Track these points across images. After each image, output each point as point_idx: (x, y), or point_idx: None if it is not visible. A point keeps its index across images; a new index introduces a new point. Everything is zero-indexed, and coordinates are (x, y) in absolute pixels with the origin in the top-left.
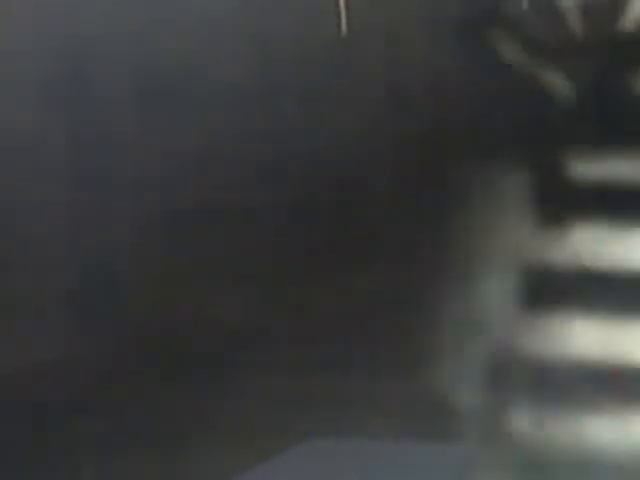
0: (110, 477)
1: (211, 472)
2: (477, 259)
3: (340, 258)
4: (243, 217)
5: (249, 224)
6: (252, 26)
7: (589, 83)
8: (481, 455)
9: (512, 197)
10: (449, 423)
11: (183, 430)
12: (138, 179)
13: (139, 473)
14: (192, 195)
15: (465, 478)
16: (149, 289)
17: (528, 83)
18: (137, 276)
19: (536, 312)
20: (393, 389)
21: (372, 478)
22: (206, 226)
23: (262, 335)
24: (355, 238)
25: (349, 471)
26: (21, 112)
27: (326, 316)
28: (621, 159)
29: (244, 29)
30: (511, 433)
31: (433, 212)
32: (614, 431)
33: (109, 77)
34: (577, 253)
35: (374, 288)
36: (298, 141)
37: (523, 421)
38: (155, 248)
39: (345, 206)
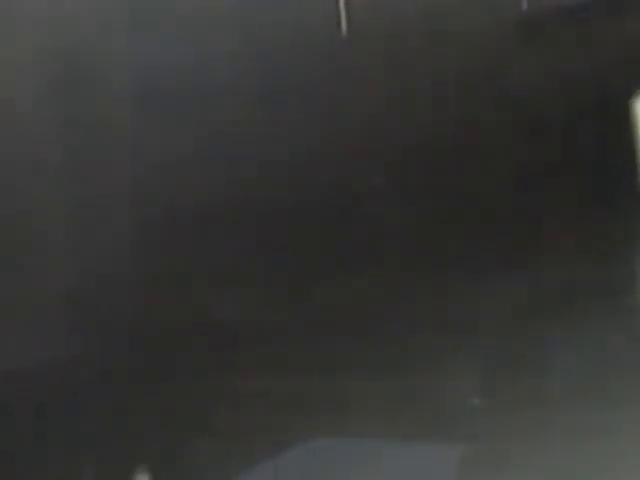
0: (110, 477)
1: (211, 472)
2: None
3: (340, 258)
4: (243, 217)
5: (249, 224)
6: (252, 26)
7: None
8: (481, 455)
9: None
10: (449, 423)
11: (183, 430)
12: (138, 179)
13: (139, 473)
14: (192, 195)
15: (464, 478)
16: (149, 289)
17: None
18: (137, 276)
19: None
20: (393, 389)
21: (372, 478)
22: (206, 226)
23: (262, 335)
24: (355, 238)
25: (349, 471)
26: (21, 112)
27: (326, 316)
28: None
29: (244, 29)
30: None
31: (434, 212)
32: None
33: (108, 76)
34: None
35: (374, 288)
36: (298, 141)
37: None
38: (155, 248)
39: (345, 206)
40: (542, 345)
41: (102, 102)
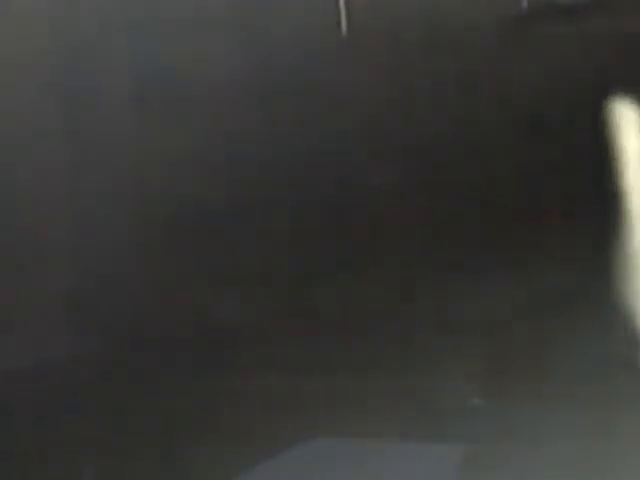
0: (110, 477)
1: (211, 472)
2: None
3: (340, 258)
4: (242, 217)
5: (248, 224)
6: (252, 26)
7: None
8: (481, 455)
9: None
10: (448, 423)
11: (183, 430)
12: (138, 179)
13: (139, 473)
14: (192, 195)
15: (464, 478)
16: (149, 289)
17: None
18: (137, 276)
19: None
20: (393, 389)
21: (372, 478)
22: (206, 226)
23: (262, 335)
24: (355, 238)
25: (349, 471)
26: (20, 112)
27: (326, 316)
28: None
29: (244, 29)
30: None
31: (433, 212)
32: None
33: (107, 76)
34: None
35: (374, 288)
36: (298, 141)
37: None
38: (155, 248)
39: (345, 206)
40: (542, 345)
41: (102, 102)
